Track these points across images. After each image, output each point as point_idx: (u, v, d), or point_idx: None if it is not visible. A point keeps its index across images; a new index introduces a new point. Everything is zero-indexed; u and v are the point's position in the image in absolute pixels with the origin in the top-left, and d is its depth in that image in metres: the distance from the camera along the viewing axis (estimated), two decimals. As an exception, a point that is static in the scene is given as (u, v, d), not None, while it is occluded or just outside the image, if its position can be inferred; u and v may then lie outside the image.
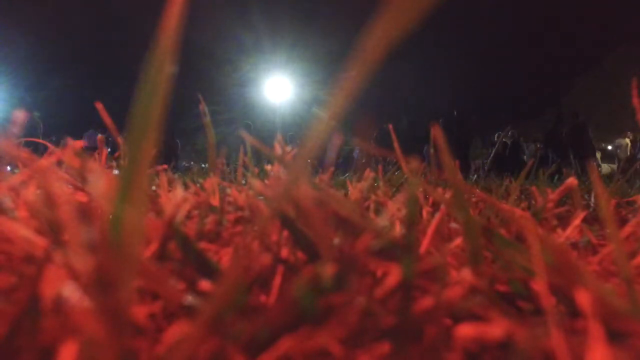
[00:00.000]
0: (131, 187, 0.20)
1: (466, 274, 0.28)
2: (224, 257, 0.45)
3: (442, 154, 0.36)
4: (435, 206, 0.86)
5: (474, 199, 0.88)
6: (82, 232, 0.19)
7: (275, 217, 0.25)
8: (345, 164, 12.64)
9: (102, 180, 0.29)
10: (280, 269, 0.35)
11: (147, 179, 0.20)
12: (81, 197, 0.66)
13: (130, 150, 0.22)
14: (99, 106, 0.60)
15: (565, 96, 34.36)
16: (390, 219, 0.42)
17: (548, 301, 0.24)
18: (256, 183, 0.38)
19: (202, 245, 0.45)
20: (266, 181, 0.72)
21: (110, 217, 0.19)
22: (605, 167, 18.97)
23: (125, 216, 0.18)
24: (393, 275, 0.25)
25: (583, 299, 0.25)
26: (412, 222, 0.24)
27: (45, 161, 0.37)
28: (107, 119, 0.62)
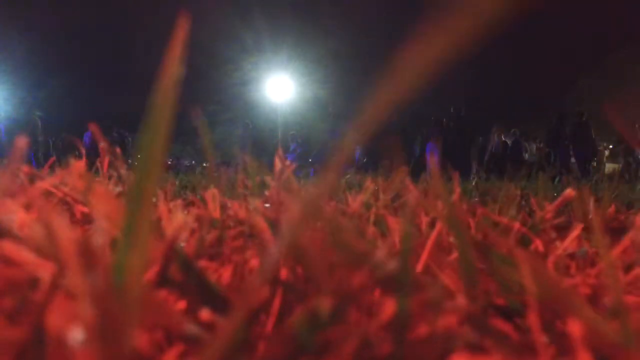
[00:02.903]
0: (136, 228, 0.20)
1: (461, 301, 0.28)
2: (225, 274, 0.46)
3: (432, 161, 0.37)
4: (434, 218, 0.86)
5: (470, 210, 0.88)
6: (85, 276, 0.20)
7: (275, 247, 0.26)
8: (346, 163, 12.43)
9: (105, 208, 0.30)
10: (279, 290, 0.36)
11: (151, 222, 0.20)
12: (82, 209, 0.67)
13: (134, 187, 0.22)
14: (94, 128, 0.60)
15: (568, 94, 34.29)
16: (390, 241, 0.42)
17: (539, 335, 0.24)
18: (256, 203, 0.39)
19: (203, 262, 0.46)
20: (266, 192, 0.72)
21: (115, 260, 0.19)
22: (609, 166, 18.96)
23: (130, 261, 0.19)
24: (389, 306, 0.25)
25: (574, 329, 0.26)
26: (407, 255, 0.25)
27: (46, 184, 0.38)
28: (101, 139, 0.62)
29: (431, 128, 10.65)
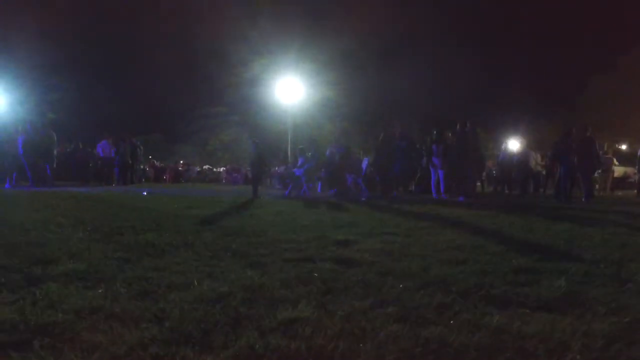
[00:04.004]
0: None
1: None
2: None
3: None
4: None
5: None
6: None
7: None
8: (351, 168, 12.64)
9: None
10: None
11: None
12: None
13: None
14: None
15: (578, 96, 33.90)
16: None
17: None
18: None
19: None
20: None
21: None
22: (620, 170, 18.84)
23: None
24: None
25: None
26: None
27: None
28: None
29: (436, 141, 10.72)
